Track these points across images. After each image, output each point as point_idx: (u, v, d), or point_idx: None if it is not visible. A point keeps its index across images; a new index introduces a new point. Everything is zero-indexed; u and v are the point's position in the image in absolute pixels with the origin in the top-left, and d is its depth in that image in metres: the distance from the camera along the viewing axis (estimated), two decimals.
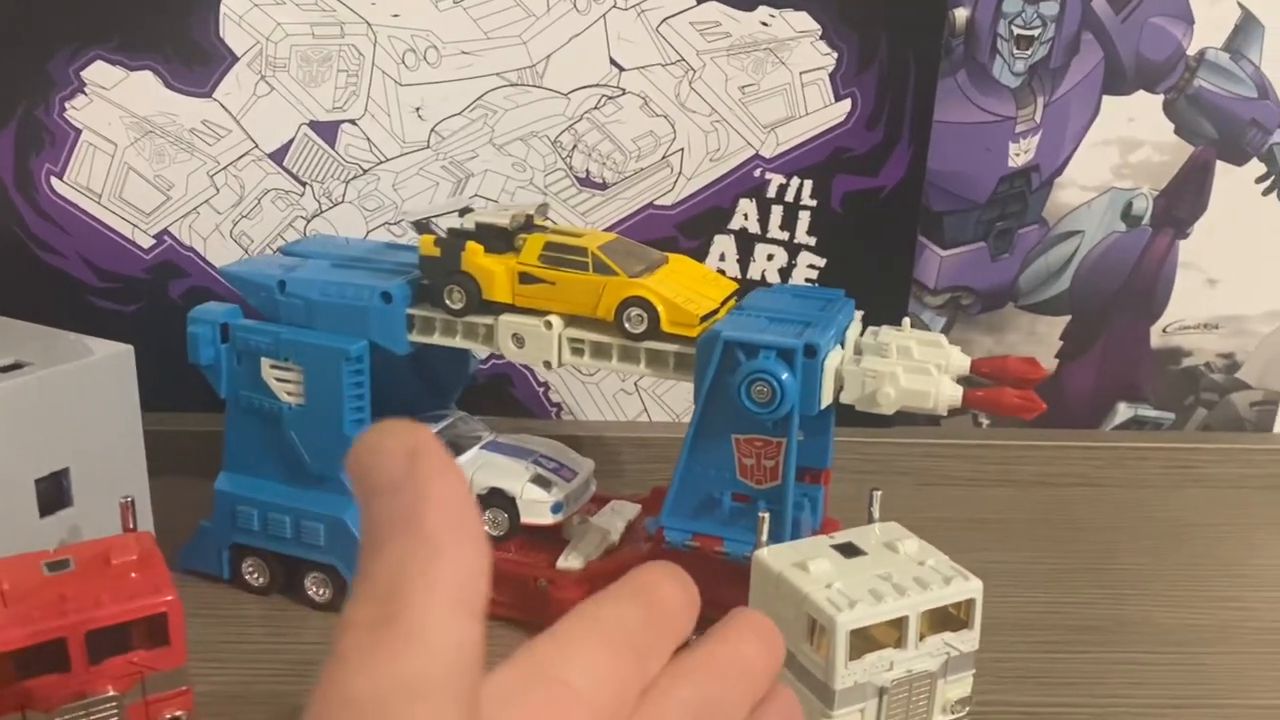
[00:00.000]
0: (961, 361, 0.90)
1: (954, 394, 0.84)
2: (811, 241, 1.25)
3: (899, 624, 0.77)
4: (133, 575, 0.75)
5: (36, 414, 0.86)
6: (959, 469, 1.31)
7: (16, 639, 0.69)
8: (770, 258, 1.26)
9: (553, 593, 0.95)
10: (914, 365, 0.85)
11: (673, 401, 1.32)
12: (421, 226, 0.96)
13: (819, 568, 0.79)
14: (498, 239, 0.94)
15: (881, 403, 0.84)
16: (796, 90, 1.21)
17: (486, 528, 1.00)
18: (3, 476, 0.84)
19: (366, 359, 0.96)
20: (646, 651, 0.37)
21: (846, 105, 1.21)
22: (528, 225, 0.96)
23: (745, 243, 1.26)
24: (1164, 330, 1.33)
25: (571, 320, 0.93)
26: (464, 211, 0.99)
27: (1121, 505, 1.28)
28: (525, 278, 0.93)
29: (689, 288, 0.92)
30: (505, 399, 1.31)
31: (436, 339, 0.97)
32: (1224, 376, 1.35)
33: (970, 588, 0.79)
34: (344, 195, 1.23)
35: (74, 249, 1.24)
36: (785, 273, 1.26)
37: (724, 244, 1.26)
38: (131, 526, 0.81)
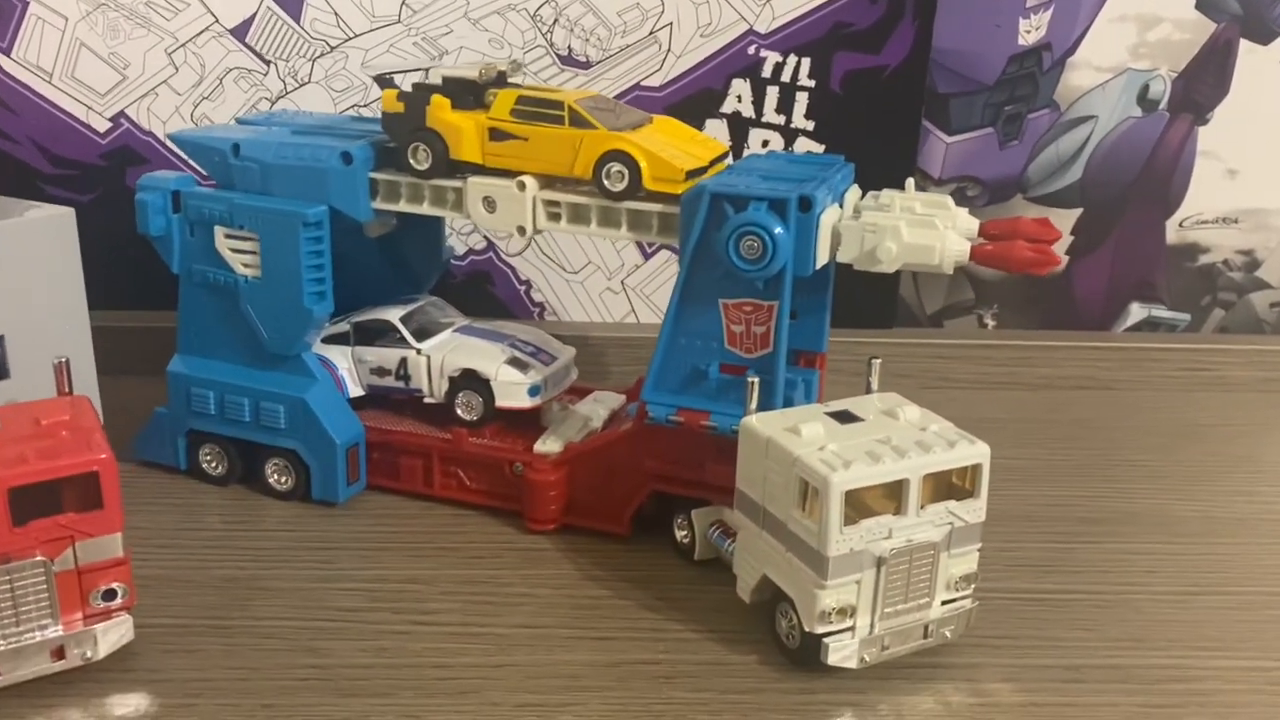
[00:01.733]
0: (969, 224, 0.83)
1: (960, 249, 0.77)
2: (809, 126, 1.18)
3: (898, 491, 0.71)
4: (64, 434, 0.69)
5: None
6: (963, 371, 1.25)
7: None
8: (765, 144, 1.19)
9: (528, 475, 0.89)
10: (918, 219, 0.78)
11: (661, 300, 1.25)
12: (384, 82, 0.89)
13: (812, 431, 0.73)
14: (466, 93, 0.87)
15: (882, 259, 0.77)
16: None
17: (460, 411, 0.94)
18: None
19: (326, 224, 0.88)
20: None
21: None
22: (499, 81, 0.89)
23: (739, 127, 1.18)
24: (1180, 225, 1.25)
25: (547, 182, 0.86)
26: (429, 69, 0.91)
27: (1133, 407, 1.21)
28: (496, 134, 0.85)
29: (674, 145, 0.85)
30: (484, 298, 1.24)
31: (402, 206, 0.90)
32: (1243, 275, 1.28)
33: (976, 452, 0.73)
34: (310, 74, 1.16)
35: (24, 132, 1.17)
36: None
37: (716, 129, 1.18)
38: (67, 390, 0.75)
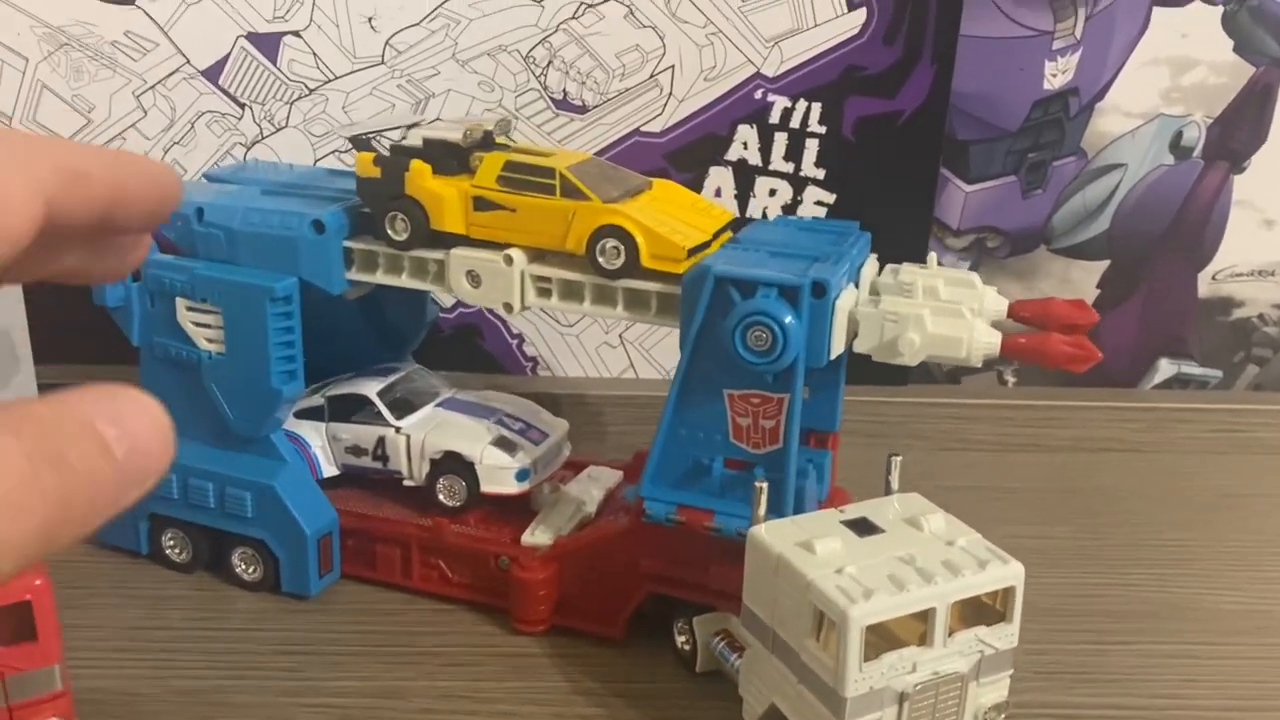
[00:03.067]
0: (998, 304, 0.76)
1: (990, 341, 0.70)
2: (820, 174, 1.11)
3: (924, 617, 0.64)
4: None
5: None
6: (982, 432, 1.18)
7: None
8: (773, 193, 1.11)
9: (515, 573, 0.81)
10: (943, 307, 0.71)
11: (663, 356, 1.18)
12: (361, 143, 0.82)
13: (827, 548, 0.65)
14: (449, 157, 0.80)
15: (904, 351, 0.70)
16: None
17: (442, 496, 0.87)
18: None
19: (296, 299, 0.82)
20: None
21: (861, 15, 1.06)
22: (485, 142, 0.82)
23: (744, 175, 1.11)
24: (1213, 277, 1.18)
25: (536, 255, 0.79)
26: (410, 129, 0.84)
27: (1161, 473, 1.14)
28: (481, 203, 0.78)
29: (675, 216, 0.77)
30: (474, 352, 1.17)
31: (379, 277, 0.83)
32: (1279, 330, 1.21)
33: (1010, 573, 0.66)
34: (288, 118, 1.09)
35: None
36: (790, 209, 1.11)
37: (720, 177, 1.11)
38: None
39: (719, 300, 0.71)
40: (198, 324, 0.83)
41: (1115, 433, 1.18)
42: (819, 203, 1.11)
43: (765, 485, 0.69)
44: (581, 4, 1.05)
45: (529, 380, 1.18)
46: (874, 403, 1.15)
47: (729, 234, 0.81)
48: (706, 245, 0.77)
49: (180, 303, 0.83)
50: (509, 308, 0.79)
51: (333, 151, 1.10)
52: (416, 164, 0.79)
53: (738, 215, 0.88)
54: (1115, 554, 0.99)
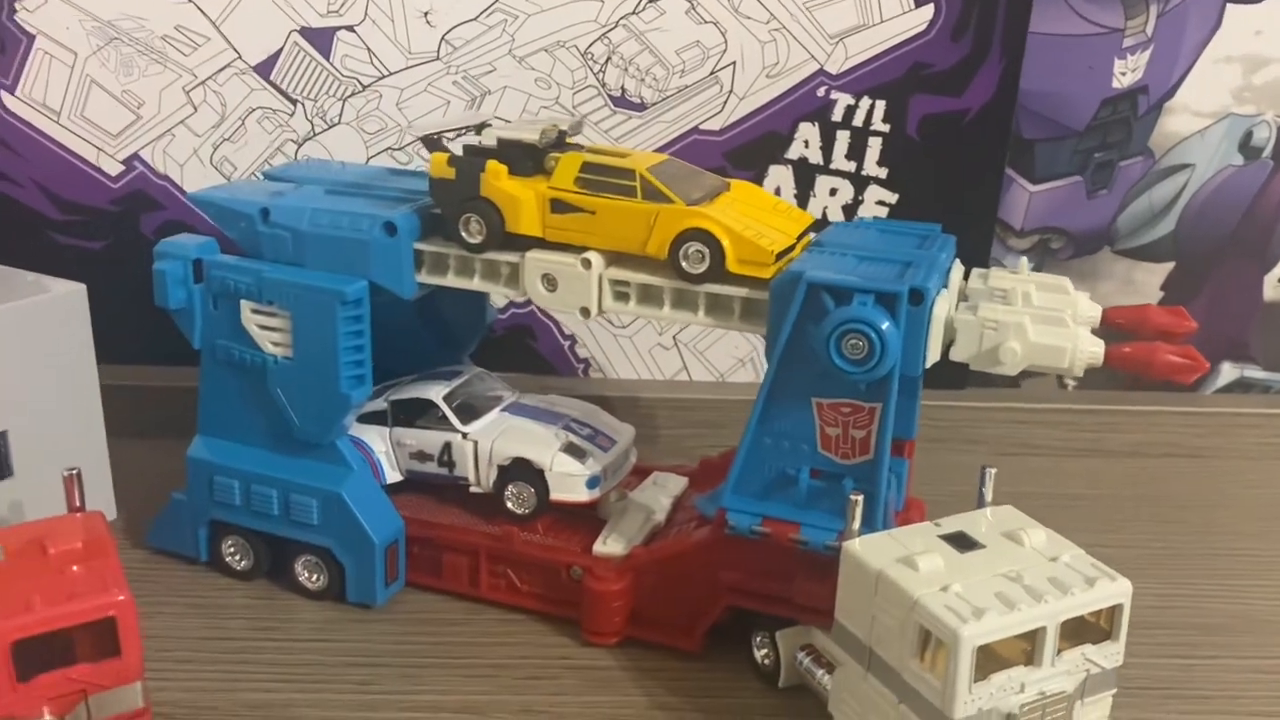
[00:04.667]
0: (1091, 310, 0.74)
1: (1094, 351, 0.68)
2: (882, 173, 1.08)
3: (1029, 635, 0.62)
4: (74, 569, 0.60)
5: None
6: (1042, 437, 1.15)
7: None
8: (834, 192, 1.09)
9: (589, 584, 0.79)
10: (1044, 314, 0.68)
11: (717, 358, 1.16)
12: (433, 143, 0.80)
13: (930, 565, 0.63)
14: (525, 158, 0.78)
15: (1005, 360, 0.68)
16: None
17: (510, 504, 0.85)
18: None
19: (366, 303, 0.79)
20: None
21: (928, 12, 1.04)
22: (559, 143, 0.80)
23: (805, 174, 1.09)
24: (1279, 280, 1.16)
25: (614, 258, 0.77)
26: (481, 128, 0.82)
27: (1226, 480, 1.12)
28: (558, 205, 0.76)
29: (757, 219, 0.75)
30: (525, 353, 1.15)
31: (450, 280, 0.80)
32: None
33: (1118, 590, 0.64)
34: (340, 115, 1.06)
35: (29, 175, 1.07)
36: (850, 209, 1.09)
37: (780, 176, 1.09)
38: (79, 505, 0.66)
39: (811, 307, 0.69)
40: (263, 327, 0.81)
41: (1178, 438, 1.16)
42: (880, 202, 1.09)
43: (860, 498, 0.67)
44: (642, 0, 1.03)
45: (581, 382, 1.16)
46: (932, 406, 1.11)
47: (809, 237, 0.79)
48: (791, 249, 0.75)
49: (245, 305, 0.81)
50: (585, 312, 0.77)
51: (385, 149, 1.08)
52: (492, 165, 0.76)
53: (817, 217, 0.85)
54: (1189, 564, 0.97)
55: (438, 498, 0.89)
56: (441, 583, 0.86)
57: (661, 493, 0.90)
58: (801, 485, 0.73)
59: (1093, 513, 1.05)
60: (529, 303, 1.15)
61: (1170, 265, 1.15)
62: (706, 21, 1.04)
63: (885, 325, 0.66)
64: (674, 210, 0.73)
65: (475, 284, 0.80)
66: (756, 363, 1.16)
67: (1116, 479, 1.11)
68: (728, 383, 1.16)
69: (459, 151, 0.78)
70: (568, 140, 0.81)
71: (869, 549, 0.66)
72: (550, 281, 0.77)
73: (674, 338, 1.15)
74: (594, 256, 0.76)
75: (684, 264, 0.73)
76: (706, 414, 1.14)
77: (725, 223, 0.73)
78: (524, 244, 0.78)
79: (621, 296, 0.77)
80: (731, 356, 1.15)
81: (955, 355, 0.70)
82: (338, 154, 1.06)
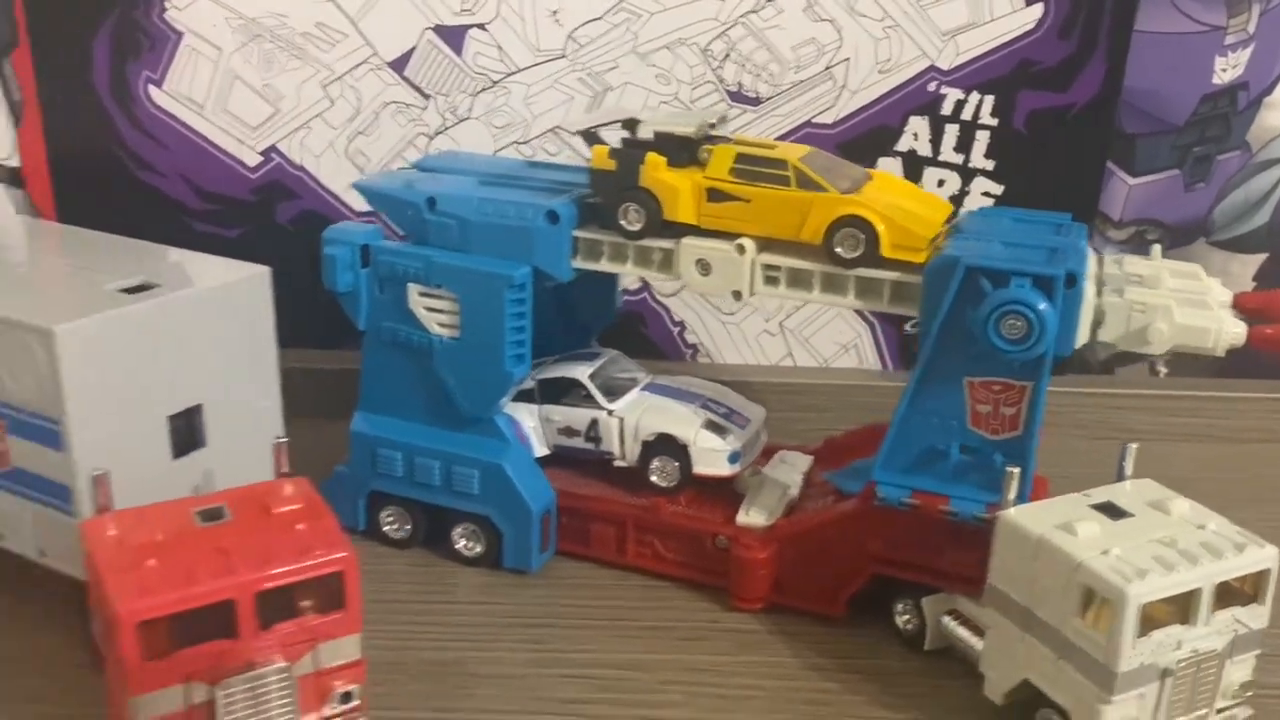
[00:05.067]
0: (1223, 295, 0.78)
1: (1237, 331, 0.72)
2: (989, 165, 1.12)
3: (1187, 600, 0.66)
4: (299, 527, 0.65)
5: (170, 341, 0.75)
6: (1140, 422, 1.19)
7: (181, 601, 0.59)
8: (941, 183, 1.13)
9: (736, 552, 0.84)
10: (1188, 297, 0.73)
11: (821, 344, 1.20)
12: (590, 137, 0.85)
13: (1088, 531, 0.68)
14: (680, 150, 0.82)
15: (1152, 340, 0.72)
16: None
17: (654, 477, 0.89)
18: (136, 411, 0.74)
19: (530, 286, 0.84)
20: None
21: (1037, 10, 1.07)
22: (708, 136, 0.84)
23: (913, 166, 1.13)
24: None
25: (764, 244, 0.82)
26: (629, 123, 0.86)
27: None
28: (715, 194, 0.81)
29: (905, 207, 0.80)
30: (636, 339, 1.20)
31: (603, 265, 0.85)
32: None
33: (1266, 555, 0.68)
34: (470, 110, 1.11)
35: (174, 166, 1.13)
36: (957, 200, 1.13)
37: (889, 167, 1.12)
38: (286, 471, 0.71)
39: (968, 290, 0.73)
40: (430, 309, 0.86)
41: (1273, 424, 1.19)
42: (986, 193, 1.13)
43: (1017, 472, 0.72)
44: None
45: (690, 366, 1.21)
46: None
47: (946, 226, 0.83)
48: (937, 235, 0.79)
49: (413, 289, 0.86)
50: (738, 295, 0.82)
51: (511, 143, 1.12)
52: (652, 157, 0.81)
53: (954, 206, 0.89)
54: None
55: (580, 471, 0.94)
56: (589, 550, 0.91)
57: (791, 469, 0.94)
58: (951, 459, 0.77)
59: (1203, 494, 1.07)
60: (640, 291, 1.20)
61: (1263, 256, 1.18)
62: (823, 20, 1.08)
63: (1043, 306, 0.71)
64: (828, 198, 0.78)
65: (628, 269, 0.85)
66: (860, 349, 1.20)
67: (1218, 462, 1.15)
68: (831, 368, 1.20)
69: (617, 144, 0.83)
70: (714, 133, 0.86)
71: (1026, 518, 0.70)
72: (704, 266, 0.82)
73: (780, 324, 1.20)
74: (748, 243, 0.81)
75: (838, 249, 0.78)
76: (812, 398, 1.18)
77: (879, 210, 0.77)
78: (677, 231, 0.82)
79: (772, 280, 0.81)
80: (835, 343, 1.20)
81: (1104, 336, 0.74)
82: (466, 147, 1.11)
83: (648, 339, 1.20)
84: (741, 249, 0.81)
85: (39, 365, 0.69)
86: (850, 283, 0.79)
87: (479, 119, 1.11)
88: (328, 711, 0.65)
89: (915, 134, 1.12)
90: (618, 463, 0.91)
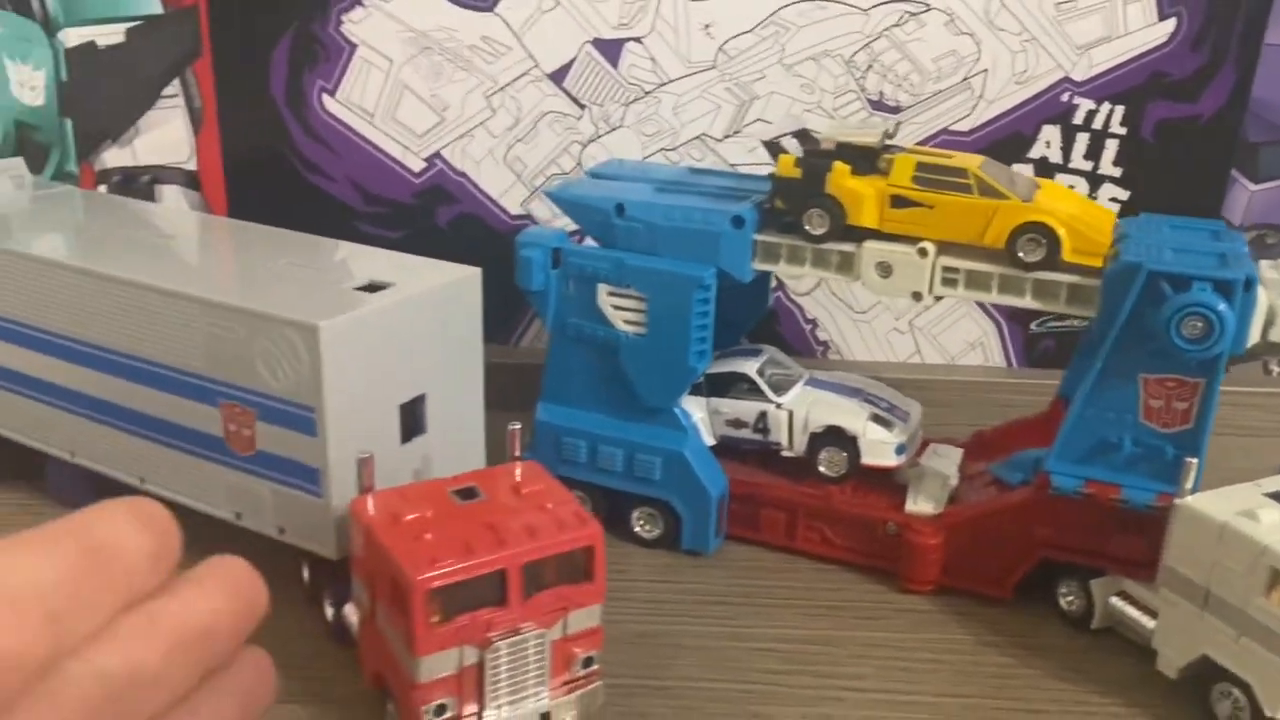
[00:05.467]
0: None
1: None
2: (1116, 173, 1.17)
3: None
4: (549, 506, 0.72)
5: (403, 336, 0.82)
6: (1253, 419, 1.24)
7: (465, 570, 0.65)
8: (1070, 189, 1.18)
9: (909, 538, 0.90)
10: None
11: (949, 342, 1.25)
12: (773, 147, 0.90)
13: (1270, 517, 0.73)
14: (862, 159, 0.88)
15: None
16: (1117, 7, 1.12)
17: (823, 467, 0.95)
18: (375, 400, 0.80)
19: (715, 287, 0.90)
20: (67, 610, 0.32)
21: (1170, 25, 1.12)
22: (886, 146, 0.90)
23: (1044, 172, 1.18)
24: None
25: (942, 247, 0.87)
26: (801, 134, 0.92)
27: None
28: (898, 201, 0.86)
29: (1082, 216, 0.85)
30: (769, 337, 1.25)
31: (781, 267, 0.91)
32: None
33: None
34: (622, 119, 1.17)
35: (342, 171, 1.20)
36: None
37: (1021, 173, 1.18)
38: (517, 455, 0.77)
39: (1150, 293, 0.78)
40: (618, 307, 0.93)
41: None
42: (1113, 199, 1.18)
43: (1195, 462, 0.77)
44: (905, 13, 1.13)
45: (821, 363, 1.26)
46: None
47: None
48: None
49: (602, 288, 0.92)
50: (918, 296, 0.87)
51: (659, 149, 1.18)
52: (839, 165, 0.87)
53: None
54: None
55: (741, 460, 1.00)
56: (758, 535, 0.97)
57: (946, 462, 1.00)
58: (1123, 451, 0.82)
59: None
60: (776, 289, 1.25)
61: None
62: (963, 33, 1.13)
63: (1223, 308, 0.76)
64: (1012, 206, 0.83)
65: (805, 271, 0.91)
66: (986, 347, 1.25)
67: None
68: (957, 365, 1.26)
69: (800, 153, 0.89)
70: (889, 143, 0.91)
71: (1207, 505, 0.75)
72: (885, 269, 0.88)
73: (909, 322, 1.25)
74: (929, 246, 0.86)
75: (1020, 253, 0.83)
76: (939, 394, 1.23)
77: (1061, 218, 0.82)
78: (859, 236, 0.88)
79: (950, 282, 0.87)
80: (963, 341, 1.25)
81: (1274, 336, 0.80)
82: (617, 154, 1.17)
83: (780, 336, 1.26)
84: (924, 252, 0.86)
85: (300, 357, 0.76)
86: (1028, 285, 0.85)
87: (629, 127, 1.18)
88: (571, 675, 0.72)
89: (1047, 142, 1.17)
90: (785, 453, 0.97)
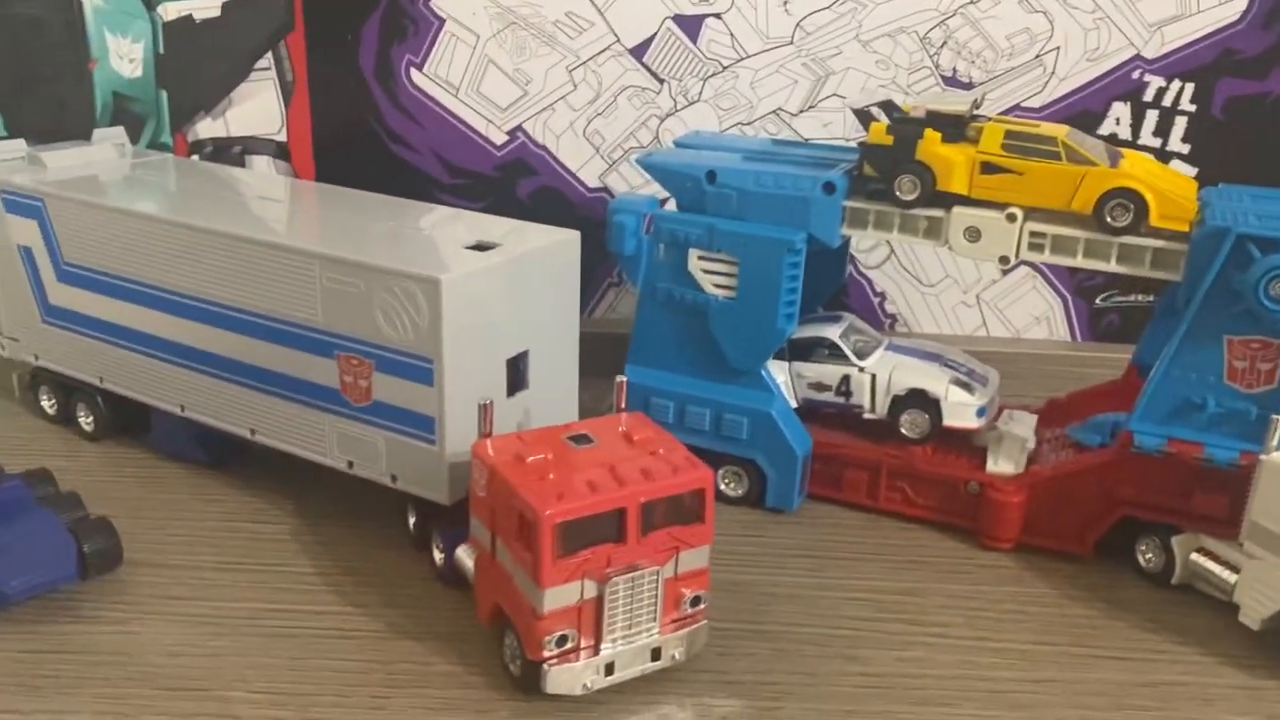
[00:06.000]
0: None
1: None
2: (1185, 150, 1.19)
3: None
4: (660, 452, 0.75)
5: (512, 293, 0.85)
6: None
7: (588, 506, 0.69)
8: (1151, 158, 1.20)
9: (991, 496, 0.93)
10: None
11: (1015, 316, 1.28)
12: (863, 115, 0.93)
13: None
14: (951, 127, 0.91)
15: None
16: None
17: (905, 429, 0.98)
18: (486, 354, 0.84)
19: (804, 251, 0.93)
20: None
21: (1242, 3, 1.14)
22: (974, 115, 0.93)
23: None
24: None
25: (1029, 213, 0.90)
26: (888, 106, 0.95)
27: None
28: (988, 167, 0.89)
29: (1168, 182, 0.88)
30: (838, 308, 1.28)
31: (869, 233, 0.94)
32: None
33: None
34: (700, 93, 1.20)
35: (427, 143, 1.23)
36: None
37: None
38: (623, 406, 0.81)
39: (1238, 256, 0.81)
40: (708, 271, 0.96)
41: None
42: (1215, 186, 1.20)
43: (1279, 419, 0.80)
44: None
45: (888, 335, 1.29)
46: None
47: None
48: None
49: (693, 253, 0.96)
50: (1005, 260, 0.90)
51: (736, 124, 1.21)
52: (930, 132, 0.90)
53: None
54: None
55: (824, 423, 1.03)
56: (840, 494, 1.00)
57: (1021, 426, 1.02)
58: (1206, 410, 0.85)
59: None
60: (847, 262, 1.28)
61: None
62: (1036, 11, 1.16)
63: None
64: (1101, 172, 0.86)
65: (893, 236, 0.94)
66: (1052, 321, 1.28)
67: None
68: (1023, 338, 1.28)
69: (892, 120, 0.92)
70: (977, 112, 0.94)
71: None
72: (973, 233, 0.90)
73: (977, 296, 1.28)
74: (1017, 211, 0.89)
75: (1109, 218, 0.86)
76: (1005, 366, 1.24)
77: (1149, 183, 0.85)
78: (948, 202, 0.91)
79: (1036, 247, 0.90)
80: (1029, 314, 1.28)
81: None
82: (694, 127, 1.20)
83: (850, 308, 1.28)
84: (1013, 217, 0.89)
85: (420, 310, 0.80)
86: (1113, 249, 0.87)
87: (707, 102, 1.21)
88: (680, 613, 0.75)
89: (1117, 119, 1.19)
90: (867, 415, 1.00)
